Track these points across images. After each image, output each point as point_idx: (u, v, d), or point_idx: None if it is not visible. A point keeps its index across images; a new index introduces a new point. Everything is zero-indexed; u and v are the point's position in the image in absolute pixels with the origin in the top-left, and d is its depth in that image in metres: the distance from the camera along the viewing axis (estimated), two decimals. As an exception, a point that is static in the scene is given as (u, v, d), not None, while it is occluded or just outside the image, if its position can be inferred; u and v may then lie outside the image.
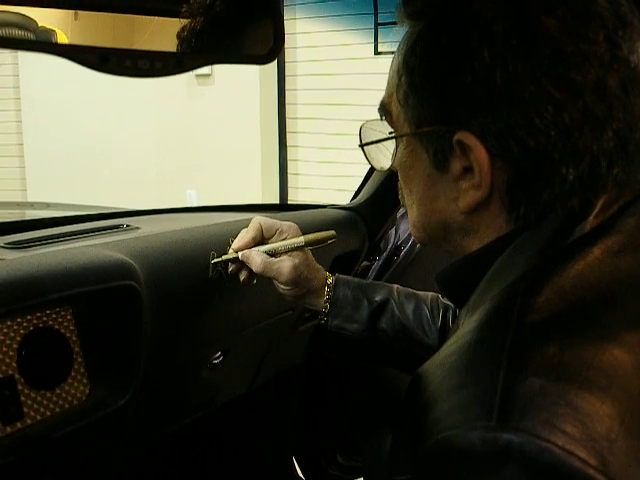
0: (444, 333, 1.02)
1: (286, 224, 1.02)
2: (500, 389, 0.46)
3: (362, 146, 0.73)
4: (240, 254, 1.00)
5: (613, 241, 0.55)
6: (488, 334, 0.53)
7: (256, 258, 0.98)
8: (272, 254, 0.99)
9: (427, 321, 1.03)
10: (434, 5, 0.60)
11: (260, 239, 1.01)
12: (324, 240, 1.03)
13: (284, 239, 1.00)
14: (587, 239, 0.56)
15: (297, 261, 0.99)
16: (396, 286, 1.08)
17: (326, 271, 1.06)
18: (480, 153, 0.57)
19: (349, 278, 1.07)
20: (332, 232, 1.04)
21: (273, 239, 1.01)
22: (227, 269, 1.03)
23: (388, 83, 0.66)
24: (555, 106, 0.54)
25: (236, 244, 1.00)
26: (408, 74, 0.61)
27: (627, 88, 0.55)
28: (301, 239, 1.00)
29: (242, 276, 1.02)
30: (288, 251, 1.00)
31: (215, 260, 1.02)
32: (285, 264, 0.99)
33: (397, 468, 0.59)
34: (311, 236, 1.01)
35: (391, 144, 0.68)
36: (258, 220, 1.01)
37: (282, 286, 1.01)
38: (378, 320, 1.03)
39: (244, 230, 1.01)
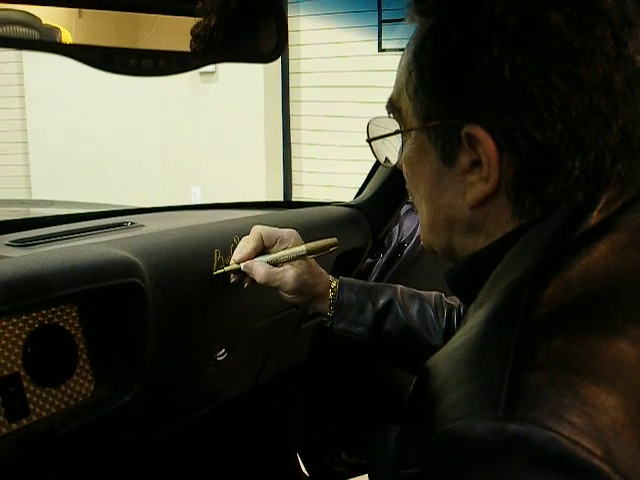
0: (449, 333, 1.02)
1: (286, 232, 1.01)
2: (507, 380, 0.46)
3: (370, 141, 0.74)
4: (242, 265, 0.99)
5: (618, 237, 0.56)
6: (495, 327, 0.53)
7: (259, 269, 0.98)
8: (274, 264, 0.99)
9: (432, 321, 1.03)
10: (445, 1, 0.61)
11: (261, 249, 1.00)
12: (326, 248, 1.02)
13: (285, 247, 1.00)
14: (592, 235, 0.56)
15: (300, 270, 0.99)
16: (400, 287, 1.08)
17: (329, 272, 1.06)
18: (489, 146, 0.58)
19: (353, 281, 1.07)
20: (334, 240, 1.03)
21: (274, 248, 1.00)
22: (229, 280, 1.02)
23: (397, 80, 0.67)
24: (562, 100, 0.55)
25: (237, 255, 0.99)
26: (418, 69, 0.62)
27: (632, 85, 0.56)
28: (303, 248, 1.00)
29: (245, 286, 1.02)
30: (290, 260, 0.99)
31: (218, 272, 1.01)
32: (288, 273, 0.98)
33: (403, 461, 0.59)
34: (313, 244, 1.01)
35: (398, 140, 0.69)
36: (258, 230, 1.00)
37: (287, 295, 1.01)
38: (383, 322, 1.03)
39: (244, 239, 1.01)
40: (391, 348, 1.04)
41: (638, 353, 0.47)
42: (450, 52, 0.59)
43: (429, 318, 1.03)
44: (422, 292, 1.08)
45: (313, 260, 1.03)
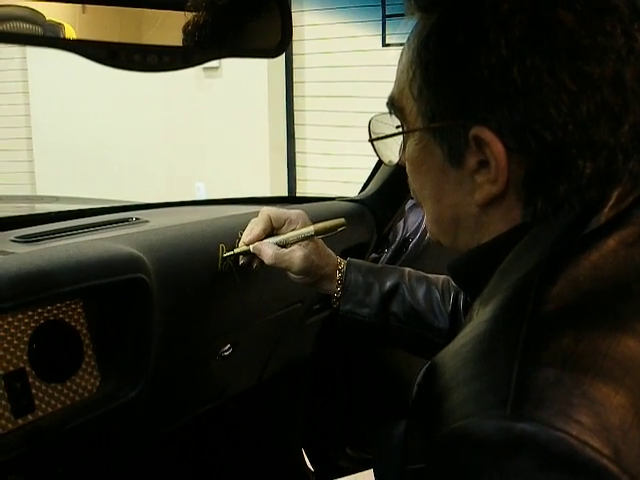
0: (454, 317, 1.02)
1: (294, 213, 1.02)
2: (515, 379, 0.46)
3: (372, 141, 0.73)
4: (252, 247, 1.00)
5: (628, 232, 0.55)
6: (503, 324, 0.53)
7: (267, 250, 0.99)
8: (283, 245, 1.00)
9: (438, 305, 1.03)
10: None
11: (270, 230, 1.01)
12: (334, 228, 1.02)
13: (294, 229, 1.01)
14: (602, 231, 0.56)
15: (308, 250, 1.00)
16: (407, 270, 1.08)
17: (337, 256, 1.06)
18: (497, 148, 0.56)
19: (360, 262, 1.07)
20: (342, 220, 1.03)
21: (283, 229, 1.01)
22: (238, 262, 1.03)
23: (398, 78, 0.65)
24: (572, 100, 0.54)
25: (246, 237, 1.00)
26: (422, 68, 0.61)
27: None
28: (311, 228, 1.00)
29: (254, 268, 1.02)
30: (298, 241, 1.00)
31: (227, 254, 1.02)
32: (296, 254, 0.99)
33: (410, 456, 0.59)
34: (321, 225, 1.01)
35: (400, 138, 0.68)
36: (266, 211, 1.01)
37: (294, 276, 1.02)
38: (389, 304, 1.03)
39: (253, 221, 1.01)
40: (397, 330, 1.04)
41: None
42: (456, 52, 0.58)
43: (435, 301, 1.03)
44: (430, 275, 1.07)
45: (321, 241, 1.03)
